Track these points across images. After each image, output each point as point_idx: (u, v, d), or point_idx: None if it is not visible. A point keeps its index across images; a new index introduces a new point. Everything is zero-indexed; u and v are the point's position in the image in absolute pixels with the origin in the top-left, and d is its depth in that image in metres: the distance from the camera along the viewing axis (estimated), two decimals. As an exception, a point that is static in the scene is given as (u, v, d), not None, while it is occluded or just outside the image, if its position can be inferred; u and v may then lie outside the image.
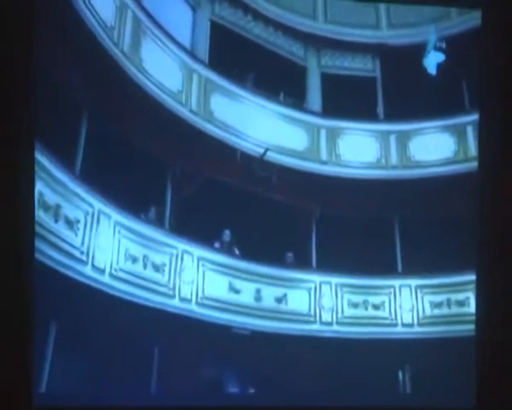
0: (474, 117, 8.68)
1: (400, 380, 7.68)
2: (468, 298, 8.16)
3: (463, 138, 8.68)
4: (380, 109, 9.87)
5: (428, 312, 7.98)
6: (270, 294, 7.69)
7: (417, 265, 8.18)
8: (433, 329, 7.78)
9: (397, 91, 9.30)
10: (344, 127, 9.29)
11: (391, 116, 9.42)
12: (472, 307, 8.07)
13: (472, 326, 7.78)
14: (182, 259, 7.19)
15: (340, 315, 7.88)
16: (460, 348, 7.22)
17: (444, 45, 7.78)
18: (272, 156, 8.25)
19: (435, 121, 9.17)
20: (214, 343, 6.71)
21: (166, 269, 6.98)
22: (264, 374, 6.60)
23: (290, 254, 8.24)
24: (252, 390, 6.45)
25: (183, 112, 7.61)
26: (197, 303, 7.07)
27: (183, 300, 6.92)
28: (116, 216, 6.67)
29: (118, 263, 6.51)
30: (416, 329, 7.85)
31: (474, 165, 8.64)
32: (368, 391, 6.68)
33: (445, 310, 7.96)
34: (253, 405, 3.46)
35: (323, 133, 9.16)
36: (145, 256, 6.82)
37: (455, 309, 7.95)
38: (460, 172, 8.49)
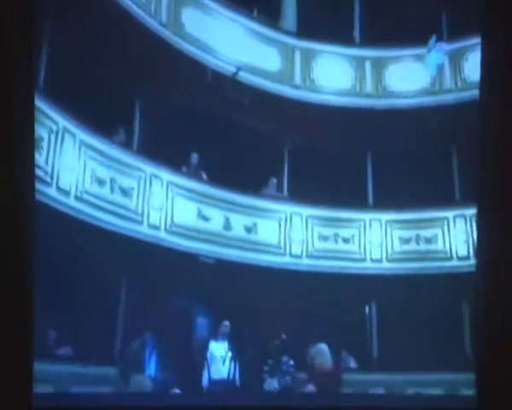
0: (453, 47, 8.69)
1: (367, 315, 7.92)
2: (435, 235, 8.38)
3: (440, 69, 8.65)
4: (356, 33, 9.68)
5: (397, 247, 8.17)
6: (239, 222, 7.66)
7: (388, 200, 8.28)
8: (400, 265, 7.99)
9: (375, 15, 9.11)
10: (319, 50, 9.10)
11: (367, 41, 9.26)
12: (439, 244, 8.32)
13: (439, 263, 8.10)
14: (150, 183, 7.02)
15: (310, 248, 7.97)
16: (427, 284, 7.49)
17: (444, 45, 7.73)
18: (244, 77, 8.00)
19: (413, 49, 9.08)
20: (182, 272, 6.66)
21: (134, 193, 6.80)
22: (232, 305, 6.64)
23: (274, 180, 8.17)
24: (226, 322, 6.48)
25: (153, 24, 7.20)
26: (166, 230, 6.96)
27: (151, 226, 6.79)
28: (82, 135, 6.38)
29: (83, 185, 6.28)
30: (385, 264, 8.04)
31: (450, 97, 8.74)
32: (335, 326, 6.86)
33: (413, 246, 8.16)
34: (253, 405, 3.47)
35: (298, 55, 8.95)
36: (112, 179, 6.61)
37: (423, 246, 8.17)
38: (435, 104, 8.51)
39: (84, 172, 6.38)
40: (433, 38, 7.58)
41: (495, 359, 2.81)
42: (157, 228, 6.93)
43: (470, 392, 5.97)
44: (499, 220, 3.25)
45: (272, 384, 6.04)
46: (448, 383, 6.29)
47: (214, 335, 6.44)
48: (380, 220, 8.43)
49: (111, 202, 6.55)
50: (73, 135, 6.32)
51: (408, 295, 7.24)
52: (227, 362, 6.18)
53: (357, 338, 7.50)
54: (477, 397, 2.98)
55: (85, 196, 6.33)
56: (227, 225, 7.56)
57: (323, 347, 6.23)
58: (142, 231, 6.78)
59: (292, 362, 6.41)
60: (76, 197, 6.20)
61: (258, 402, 3.14)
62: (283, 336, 6.69)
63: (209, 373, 6.04)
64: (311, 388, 5.83)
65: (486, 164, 3.23)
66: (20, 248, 2.62)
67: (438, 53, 7.55)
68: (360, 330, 7.75)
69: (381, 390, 6.20)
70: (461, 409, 3.54)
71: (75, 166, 6.25)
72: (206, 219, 7.40)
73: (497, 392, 2.70)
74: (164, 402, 3.69)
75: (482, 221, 3.29)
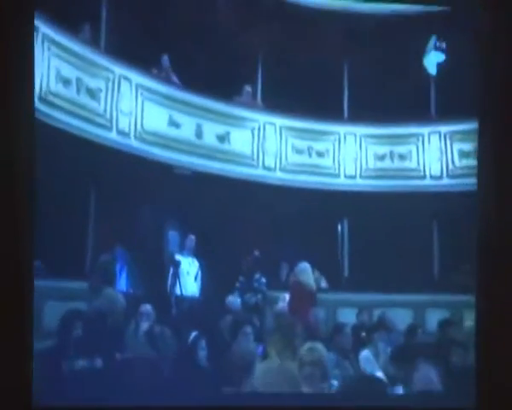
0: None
1: (339, 233, 8.03)
2: (410, 152, 8.42)
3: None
4: None
5: (371, 164, 8.19)
6: (211, 131, 7.52)
7: (364, 113, 8.21)
8: (374, 182, 8.03)
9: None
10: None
11: None
12: (413, 162, 8.38)
13: (412, 182, 8.19)
14: (119, 85, 6.74)
15: (283, 161, 7.92)
16: (399, 203, 7.59)
17: (444, 45, 7.42)
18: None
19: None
20: (154, 183, 6.56)
21: (102, 96, 6.55)
22: (203, 219, 6.62)
23: (248, 89, 7.96)
24: (191, 236, 6.46)
25: None
26: (136, 137, 6.78)
27: (120, 133, 6.59)
28: (44, 29, 6.01)
29: (48, 85, 5.98)
30: (358, 181, 8.07)
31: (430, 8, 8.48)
32: (307, 242, 6.94)
33: (387, 163, 8.19)
34: (252, 405, 3.48)
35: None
36: (78, 79, 6.31)
37: (397, 163, 8.20)
38: (415, 11, 8.27)
39: (49, 71, 6.07)
40: (433, 37, 7.39)
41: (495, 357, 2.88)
42: (126, 135, 6.74)
43: (436, 313, 6.20)
44: (501, 141, 3.24)
45: (235, 302, 6.13)
46: (416, 304, 6.52)
47: (182, 250, 6.43)
48: (355, 134, 8.39)
49: (77, 105, 6.30)
50: (36, 29, 5.94)
51: (380, 214, 7.34)
52: (197, 279, 6.22)
53: (329, 257, 7.64)
54: (477, 397, 3.08)
55: (50, 98, 6.07)
56: (199, 133, 7.41)
57: (307, 266, 6.33)
58: (111, 137, 6.59)
59: (264, 280, 6.50)
60: (40, 98, 5.93)
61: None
62: (256, 252, 6.75)
63: (180, 290, 6.09)
64: (283, 306, 5.96)
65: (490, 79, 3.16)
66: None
67: (438, 53, 7.41)
68: (332, 249, 7.88)
69: (351, 310, 6.38)
70: (461, 409, 3.66)
71: (38, 64, 5.92)
72: (177, 125, 7.23)
73: (496, 392, 2.79)
74: (164, 402, 3.72)
75: (483, 140, 3.26)
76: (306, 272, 6.35)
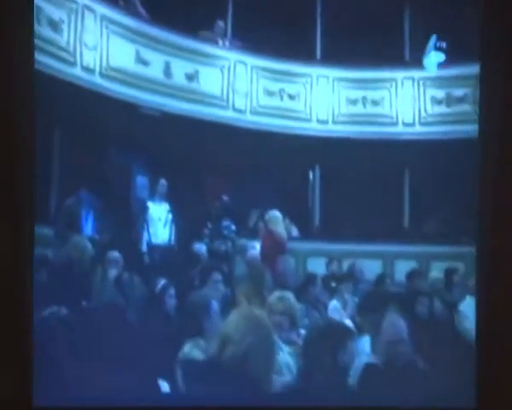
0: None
1: (310, 180, 8.04)
2: (383, 97, 8.40)
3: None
4: None
5: (344, 109, 8.15)
6: (180, 69, 7.33)
7: (337, 55, 8.11)
8: (346, 128, 8.02)
9: None
10: None
11: None
12: (386, 108, 8.37)
13: (385, 128, 8.20)
14: (83, 16, 6.48)
15: (254, 103, 7.81)
16: (371, 149, 7.62)
17: (444, 45, 7.19)
18: None
19: None
20: (120, 123, 6.40)
21: (65, 28, 6.28)
22: (172, 162, 6.53)
23: (221, 24, 7.72)
24: (163, 181, 6.37)
25: None
26: (101, 74, 6.56)
27: (85, 69, 6.36)
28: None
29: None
30: (331, 126, 8.04)
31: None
32: (277, 189, 6.93)
33: (360, 108, 8.17)
34: (252, 405, 3.44)
35: None
36: (39, 9, 6.03)
37: (370, 108, 8.18)
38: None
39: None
40: (433, 37, 7.23)
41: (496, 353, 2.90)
42: (91, 71, 6.51)
43: (405, 264, 6.30)
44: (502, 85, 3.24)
45: (202, 249, 6.11)
46: (385, 255, 6.63)
47: (152, 195, 6.33)
48: (327, 77, 8.30)
49: (38, 37, 6.02)
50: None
51: (351, 161, 7.36)
52: (167, 225, 6.16)
53: (300, 205, 7.66)
54: (477, 397, 3.12)
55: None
56: (167, 72, 7.21)
57: (278, 214, 6.33)
58: (76, 73, 6.36)
59: (233, 227, 6.49)
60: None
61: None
62: (224, 197, 6.71)
63: (149, 236, 6.02)
64: (253, 254, 5.97)
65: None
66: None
67: (438, 52, 7.26)
68: (303, 197, 7.90)
69: (321, 260, 6.45)
70: (461, 409, 3.71)
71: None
72: (145, 63, 7.01)
73: (496, 392, 2.84)
74: (165, 402, 3.66)
75: (485, 84, 3.25)
76: (277, 220, 6.36)
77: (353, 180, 7.31)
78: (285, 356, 4.20)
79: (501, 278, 3.29)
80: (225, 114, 7.61)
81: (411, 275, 6.01)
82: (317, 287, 5.48)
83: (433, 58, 7.39)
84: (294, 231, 7.28)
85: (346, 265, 6.19)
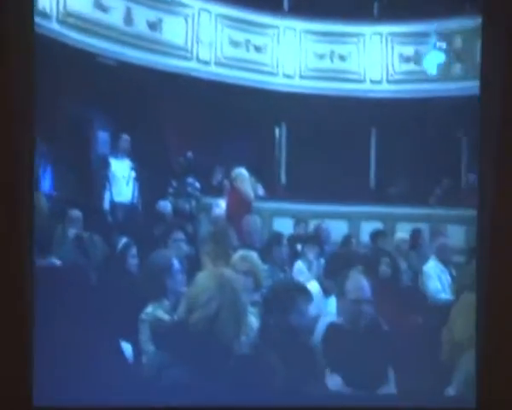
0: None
1: (276, 137, 7.96)
2: (350, 53, 8.33)
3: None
4: None
5: (311, 63, 8.06)
6: (142, 16, 7.10)
7: (303, 5, 7.98)
8: (313, 83, 7.94)
9: None
10: None
11: None
12: (353, 64, 8.30)
13: (352, 85, 8.16)
14: (39, -44, 6.14)
15: (219, 54, 7.63)
16: (338, 106, 7.58)
17: (444, 45, 7.00)
18: None
19: None
20: (77, 72, 6.17)
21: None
22: (135, 116, 6.35)
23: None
24: (125, 136, 6.20)
25: None
26: (58, 20, 6.30)
27: (42, 15, 6.09)
28: None
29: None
30: (297, 81, 7.95)
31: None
32: (243, 146, 6.85)
33: (327, 63, 8.09)
34: (251, 405, 3.39)
35: None
36: None
37: (337, 64, 8.11)
38: None
39: None
40: (433, 37, 7.07)
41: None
42: (48, 17, 6.23)
43: (370, 225, 6.35)
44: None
45: (166, 207, 6.03)
46: (351, 215, 6.67)
47: (114, 151, 6.16)
48: (294, 29, 8.17)
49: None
50: None
51: (318, 118, 7.30)
52: (130, 183, 6.02)
53: (266, 163, 7.59)
54: (477, 397, 3.13)
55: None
56: (128, 19, 6.96)
57: (244, 172, 6.26)
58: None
59: (198, 185, 6.40)
60: None
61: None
62: (189, 153, 6.59)
63: (111, 194, 5.89)
64: (218, 212, 5.92)
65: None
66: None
67: (438, 52, 7.14)
68: (268, 155, 7.83)
69: (287, 220, 6.44)
70: (461, 409, 3.73)
71: None
72: (104, 9, 6.75)
73: (496, 392, 2.85)
74: (165, 402, 3.58)
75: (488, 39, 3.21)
76: (243, 178, 6.30)
77: (320, 138, 7.27)
78: (250, 317, 4.21)
79: (501, 275, 3.32)
80: (189, 65, 7.42)
81: (376, 236, 6.07)
82: (283, 247, 5.49)
83: (433, 58, 7.39)
84: (260, 190, 7.23)
85: (312, 225, 6.19)
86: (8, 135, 2.98)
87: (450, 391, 3.79)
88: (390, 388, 4.10)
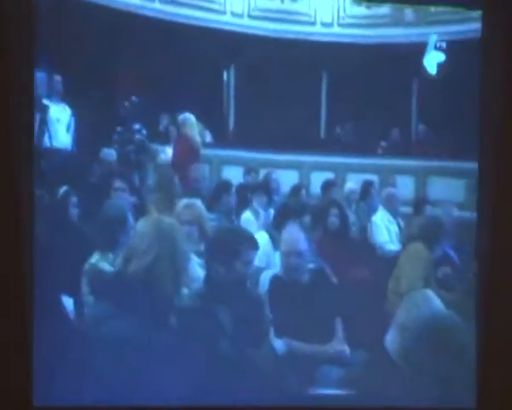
0: None
1: (225, 81, 7.80)
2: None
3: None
4: None
5: (260, 3, 7.88)
6: None
7: None
8: (262, 24, 7.80)
9: None
10: None
11: None
12: (304, 6, 8.17)
13: (302, 28, 8.03)
14: None
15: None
16: (287, 50, 7.46)
17: (444, 45, 6.72)
18: None
19: None
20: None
21: None
22: (74, 54, 6.09)
23: None
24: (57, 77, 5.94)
25: None
26: None
27: None
28: None
29: None
30: (246, 21, 7.80)
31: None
32: (189, 91, 6.71)
33: (277, 4, 7.93)
34: (250, 405, 3.30)
35: None
36: None
37: (287, 4, 7.97)
38: None
39: None
40: (433, 37, 6.85)
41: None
42: None
43: (321, 175, 6.36)
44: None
45: (111, 154, 5.88)
46: (301, 165, 6.67)
47: (50, 93, 5.88)
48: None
49: None
50: None
51: (268, 62, 7.18)
52: (71, 129, 5.82)
53: (214, 109, 7.45)
54: (477, 397, 3.15)
55: None
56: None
57: (191, 117, 6.13)
58: None
59: (144, 131, 6.25)
60: None
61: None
62: (134, 98, 6.41)
63: (50, 140, 5.68)
64: (163, 160, 5.82)
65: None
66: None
67: (438, 52, 6.93)
68: (217, 100, 7.68)
69: (236, 169, 6.39)
70: (460, 409, 3.75)
71: None
72: None
73: (496, 392, 2.88)
74: (165, 402, 3.48)
75: None
76: (190, 124, 6.18)
77: (269, 83, 7.16)
78: (195, 268, 4.20)
79: (502, 274, 3.36)
80: (133, 2, 7.14)
81: (326, 186, 6.11)
82: (231, 196, 5.46)
83: (433, 58, 7.34)
84: (208, 137, 7.12)
85: (262, 174, 6.16)
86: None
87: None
88: (338, 343, 4.17)
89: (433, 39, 7.16)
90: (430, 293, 3.80)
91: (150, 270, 3.34)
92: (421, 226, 5.03)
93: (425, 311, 3.45)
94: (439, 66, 6.92)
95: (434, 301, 3.64)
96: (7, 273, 3.03)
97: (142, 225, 3.61)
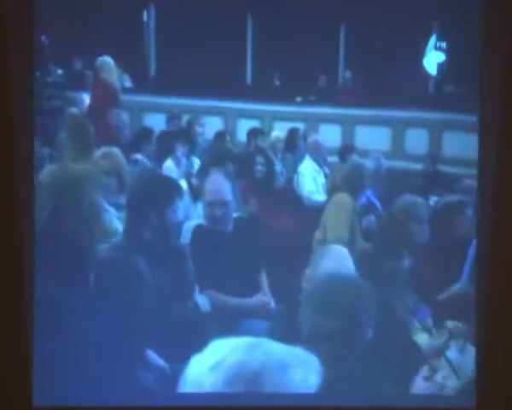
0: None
1: (144, 21, 7.50)
2: None
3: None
4: None
5: None
6: None
7: None
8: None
9: None
10: None
11: None
12: None
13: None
14: None
15: None
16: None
17: (444, 45, 6.46)
18: None
19: None
20: None
21: None
22: None
23: None
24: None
25: None
26: None
27: None
28: None
29: None
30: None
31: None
32: (106, 32, 6.45)
33: None
34: (250, 405, 3.18)
35: None
36: None
37: None
38: None
39: None
40: (434, 36, 6.61)
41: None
42: None
43: (247, 122, 6.30)
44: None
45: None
46: (228, 112, 6.56)
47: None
48: None
49: None
50: None
51: (189, 0, 6.94)
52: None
53: (133, 51, 7.17)
54: (476, 397, 3.12)
55: None
56: None
57: (108, 60, 5.91)
58: None
59: (60, 71, 5.98)
60: None
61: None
62: (43, 37, 6.09)
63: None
64: (82, 106, 5.62)
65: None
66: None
67: (438, 52, 6.73)
68: (136, 42, 7.39)
69: (159, 116, 6.22)
70: (460, 409, 3.73)
71: None
72: None
73: (496, 392, 2.86)
74: (164, 402, 3.32)
75: None
76: (109, 68, 5.96)
77: (192, 26, 6.94)
78: (114, 221, 4.10)
79: (502, 269, 3.34)
80: None
81: (252, 134, 6.06)
82: (153, 144, 5.35)
83: (433, 58, 7.22)
84: (128, 82, 6.89)
85: (185, 121, 6.03)
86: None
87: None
88: (263, 295, 4.18)
89: (433, 39, 7.21)
90: (345, 253, 3.79)
91: (57, 224, 3.20)
92: (345, 175, 5.08)
93: (328, 267, 3.44)
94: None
95: (343, 260, 3.64)
96: (7, 273, 2.95)
97: (45, 177, 3.44)
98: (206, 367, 1.93)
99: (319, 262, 3.60)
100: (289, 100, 6.84)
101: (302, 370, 1.90)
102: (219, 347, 1.99)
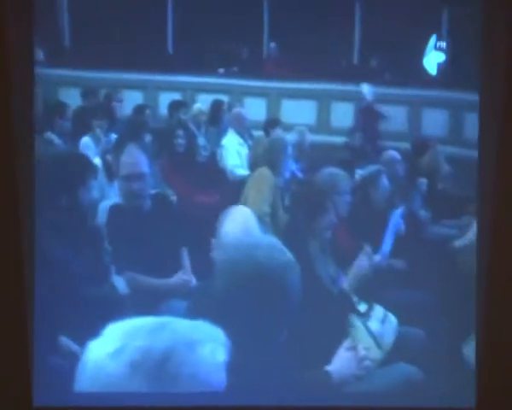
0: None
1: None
2: None
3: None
4: None
5: None
6: None
7: None
8: None
9: None
10: None
11: None
12: None
13: None
14: None
15: None
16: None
17: (444, 45, 6.34)
18: None
19: None
20: None
21: None
22: None
23: None
24: None
25: None
26: None
27: None
28: None
29: None
30: None
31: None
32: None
33: None
34: (250, 404, 3.06)
35: None
36: None
37: None
38: None
39: None
40: (433, 37, 6.49)
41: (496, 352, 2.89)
42: None
43: (169, 95, 6.20)
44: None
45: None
46: (148, 85, 6.44)
47: None
48: None
49: None
50: None
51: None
52: None
53: (44, 23, 6.87)
54: (476, 397, 3.10)
55: None
56: None
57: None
58: None
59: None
60: None
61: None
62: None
63: None
64: None
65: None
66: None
67: (438, 52, 6.62)
68: (47, 12, 7.08)
69: (74, 90, 6.05)
70: (459, 409, 3.71)
71: None
72: None
73: (496, 392, 2.86)
74: (164, 402, 3.18)
75: None
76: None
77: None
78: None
79: (503, 269, 3.34)
80: None
81: (173, 106, 5.98)
82: (67, 120, 5.22)
83: (433, 58, 7.15)
84: (40, 55, 6.63)
85: (103, 96, 5.89)
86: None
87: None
88: (184, 273, 4.15)
89: (433, 39, 7.21)
90: (246, 212, 3.77)
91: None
92: (265, 149, 5.07)
93: (232, 233, 3.43)
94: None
95: (246, 223, 3.62)
96: (7, 273, 2.89)
97: None
98: (105, 353, 1.90)
99: (222, 229, 3.57)
100: (212, 72, 6.76)
101: (209, 345, 1.90)
102: (117, 330, 1.96)
